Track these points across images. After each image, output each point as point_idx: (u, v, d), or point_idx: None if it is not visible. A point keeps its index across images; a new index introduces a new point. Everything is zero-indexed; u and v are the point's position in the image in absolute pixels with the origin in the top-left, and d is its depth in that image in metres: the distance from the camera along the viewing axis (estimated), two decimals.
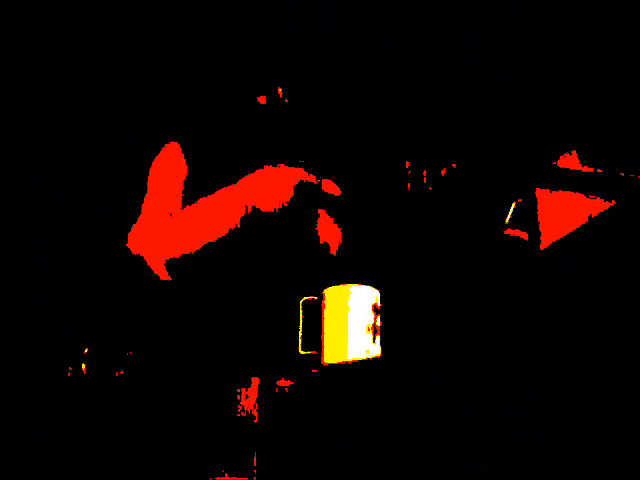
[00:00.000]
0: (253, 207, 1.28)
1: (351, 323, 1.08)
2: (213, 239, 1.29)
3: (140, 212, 1.43)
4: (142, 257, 1.32)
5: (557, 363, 0.73)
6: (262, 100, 1.53)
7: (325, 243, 1.51)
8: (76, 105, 2.58)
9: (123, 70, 2.50)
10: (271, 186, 1.27)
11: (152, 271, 1.31)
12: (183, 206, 1.42)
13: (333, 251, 1.52)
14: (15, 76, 2.48)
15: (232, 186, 1.32)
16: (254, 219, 1.27)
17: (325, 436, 0.89)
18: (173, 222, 1.34)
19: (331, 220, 1.59)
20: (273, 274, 1.44)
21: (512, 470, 0.74)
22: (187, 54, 2.29)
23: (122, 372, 1.78)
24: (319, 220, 1.48)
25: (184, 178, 1.49)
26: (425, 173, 1.28)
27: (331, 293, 1.11)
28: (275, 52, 1.58)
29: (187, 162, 1.50)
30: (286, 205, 1.27)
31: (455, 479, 0.77)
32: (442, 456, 0.79)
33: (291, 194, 1.27)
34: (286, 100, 1.53)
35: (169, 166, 1.49)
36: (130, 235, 1.37)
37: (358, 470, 0.87)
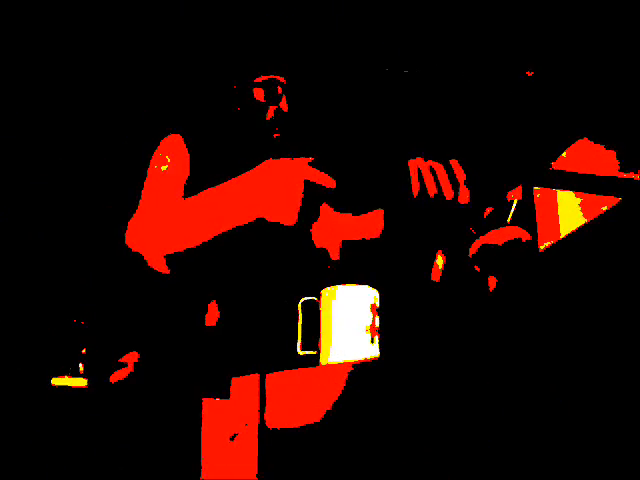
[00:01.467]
0: (263, 218, 1.23)
1: (344, 324, 1.08)
2: (214, 236, 1.26)
3: (138, 205, 1.41)
4: (139, 252, 1.30)
5: (557, 363, 0.73)
6: (259, 96, 1.52)
7: (323, 248, 1.50)
8: (76, 99, 2.57)
9: (125, 64, 2.49)
10: (281, 194, 1.21)
11: (150, 266, 1.29)
12: (184, 198, 1.40)
13: (334, 256, 1.51)
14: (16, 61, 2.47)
15: (237, 182, 1.26)
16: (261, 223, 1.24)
17: (324, 436, 0.88)
18: (174, 215, 1.31)
19: (331, 219, 1.58)
20: (274, 273, 1.43)
21: (512, 470, 0.74)
22: (187, 47, 2.28)
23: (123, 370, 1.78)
24: (315, 224, 1.47)
25: (186, 171, 1.47)
26: (429, 177, 1.27)
27: (326, 294, 1.11)
28: (275, 48, 1.57)
29: (189, 153, 1.48)
30: (296, 218, 1.23)
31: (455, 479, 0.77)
32: (442, 457, 0.79)
33: (300, 202, 1.23)
34: (284, 97, 1.52)
35: (169, 159, 1.47)
36: (128, 229, 1.34)
37: (357, 470, 0.86)
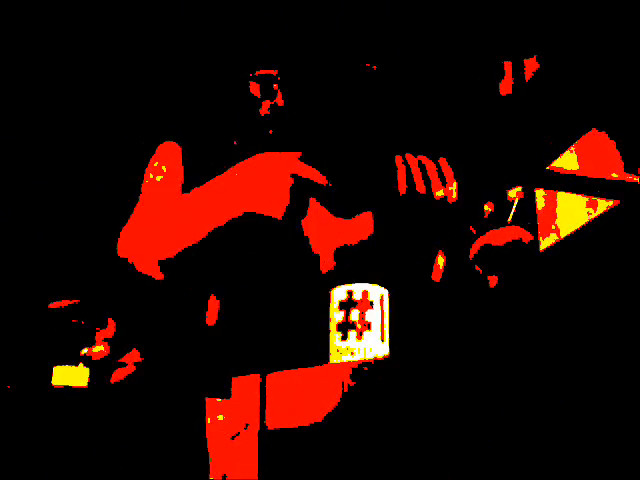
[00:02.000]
0: (251, 212, 1.21)
1: (331, 324, 1.09)
2: (204, 235, 1.24)
3: (131, 214, 1.40)
4: (131, 260, 1.27)
5: (559, 363, 0.73)
6: (255, 90, 1.51)
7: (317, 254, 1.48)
8: (72, 107, 2.57)
9: (119, 70, 2.49)
10: (268, 187, 1.19)
11: (142, 272, 1.26)
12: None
13: (324, 267, 1.49)
14: (12, 82, 2.48)
15: (224, 178, 1.24)
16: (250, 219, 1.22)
17: (325, 437, 0.89)
18: (163, 219, 1.29)
19: (326, 224, 1.57)
20: (275, 272, 1.43)
21: (514, 471, 0.74)
22: (181, 41, 2.28)
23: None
24: (306, 220, 1.45)
25: (181, 179, 1.46)
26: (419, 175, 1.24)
27: (336, 292, 1.11)
28: (270, 47, 1.57)
29: (184, 161, 1.47)
30: (284, 211, 1.20)
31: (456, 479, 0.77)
32: (446, 459, 0.79)
33: (287, 196, 1.18)
34: (280, 93, 1.51)
35: (165, 168, 1.46)
36: (120, 237, 1.32)
37: (361, 470, 0.86)
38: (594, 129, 1.21)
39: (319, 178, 1.20)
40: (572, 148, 1.26)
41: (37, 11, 2.38)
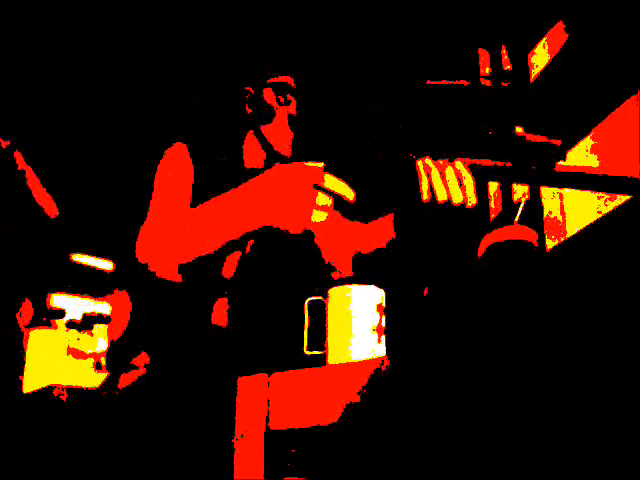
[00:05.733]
0: (273, 226, 1.18)
1: (355, 323, 1.08)
2: (224, 244, 1.24)
3: (146, 217, 1.40)
4: (150, 264, 1.28)
5: (561, 363, 0.72)
6: (269, 97, 1.50)
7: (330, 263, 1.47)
8: (80, 110, 2.59)
9: (126, 72, 2.50)
10: (290, 201, 1.16)
11: (161, 277, 1.27)
12: (192, 207, 1.39)
13: (341, 269, 1.47)
14: (16, 80, 2.50)
15: (245, 189, 1.22)
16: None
17: (328, 436, 0.88)
18: (183, 226, 1.28)
19: (342, 230, 1.56)
20: (280, 272, 1.43)
21: (515, 472, 0.74)
22: (189, 53, 2.29)
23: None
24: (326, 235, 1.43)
25: (191, 179, 1.46)
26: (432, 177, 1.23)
27: (334, 293, 1.11)
28: (287, 49, 1.56)
29: (194, 160, 1.47)
30: (305, 225, 1.18)
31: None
32: (447, 460, 0.79)
33: (310, 210, 1.15)
34: (294, 102, 1.51)
35: (175, 168, 1.47)
36: (138, 242, 1.32)
37: (364, 470, 0.86)
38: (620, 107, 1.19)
39: (346, 191, 1.18)
40: (594, 130, 1.24)
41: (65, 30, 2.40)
